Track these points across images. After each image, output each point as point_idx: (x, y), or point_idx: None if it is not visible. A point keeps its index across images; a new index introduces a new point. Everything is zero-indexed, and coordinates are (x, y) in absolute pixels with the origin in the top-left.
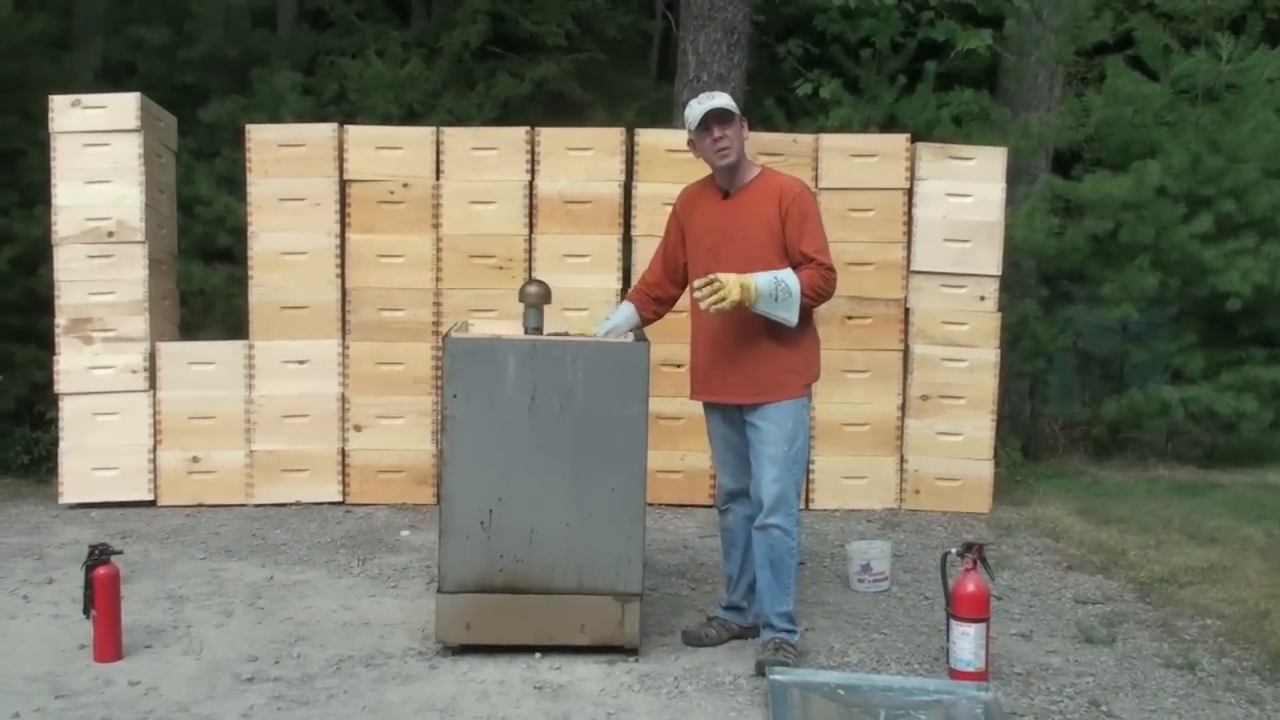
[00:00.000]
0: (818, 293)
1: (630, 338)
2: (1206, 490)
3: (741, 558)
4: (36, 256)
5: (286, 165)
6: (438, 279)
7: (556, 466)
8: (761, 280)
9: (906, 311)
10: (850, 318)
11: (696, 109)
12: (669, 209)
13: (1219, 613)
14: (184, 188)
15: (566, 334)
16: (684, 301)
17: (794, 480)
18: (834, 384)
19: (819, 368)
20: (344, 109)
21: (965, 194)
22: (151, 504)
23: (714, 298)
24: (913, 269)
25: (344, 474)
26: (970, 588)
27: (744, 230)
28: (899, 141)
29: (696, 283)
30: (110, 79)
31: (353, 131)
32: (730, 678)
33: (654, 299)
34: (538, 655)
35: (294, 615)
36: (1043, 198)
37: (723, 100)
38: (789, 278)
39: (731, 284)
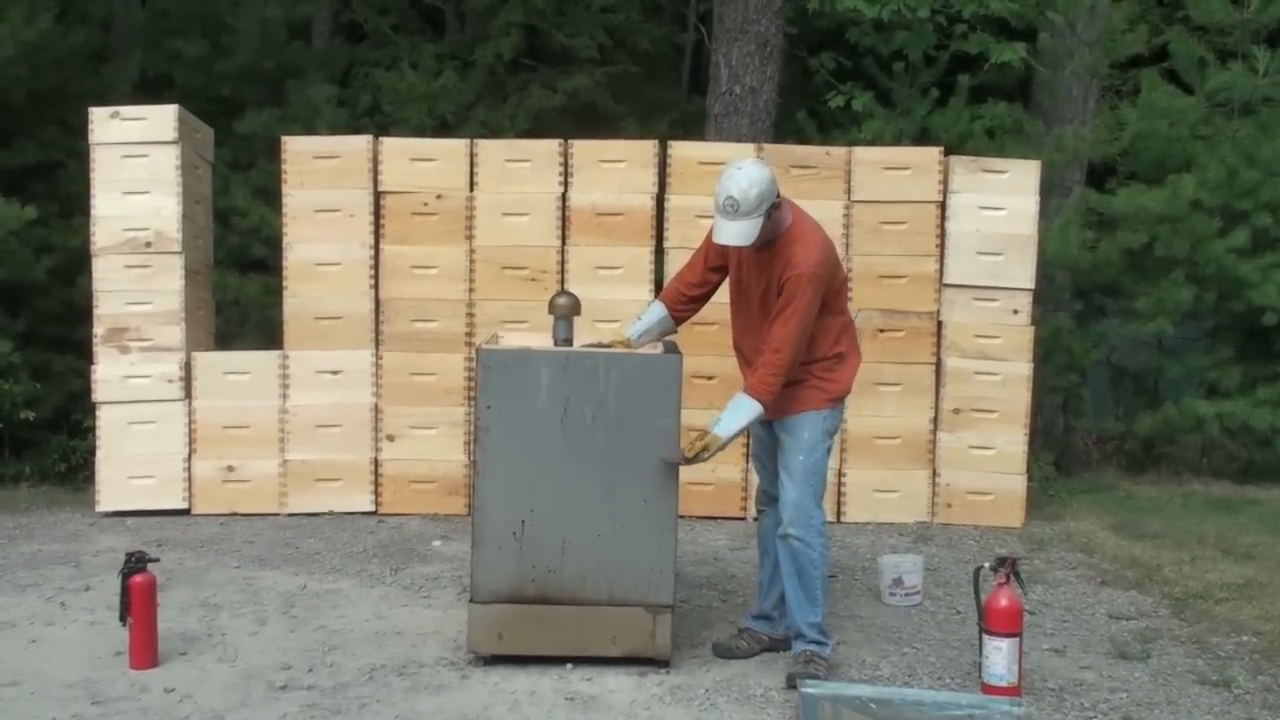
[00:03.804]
0: (768, 388)
1: (660, 348)
2: (1242, 506)
3: (773, 565)
4: (75, 266)
5: (321, 177)
6: (470, 290)
7: (589, 478)
8: (721, 428)
9: (939, 324)
10: (882, 330)
11: (717, 220)
12: (701, 221)
13: (1255, 629)
14: (220, 199)
15: (600, 343)
16: (717, 313)
17: (812, 491)
18: (866, 397)
19: (848, 384)
20: (378, 121)
21: (998, 207)
22: (186, 512)
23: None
24: (945, 282)
25: (376, 484)
26: (1003, 602)
27: (752, 292)
28: (932, 154)
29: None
30: (148, 91)
31: (387, 143)
32: (761, 690)
33: (690, 298)
34: (569, 666)
35: (327, 624)
36: (1077, 211)
37: (742, 229)
38: (733, 401)
39: (712, 444)
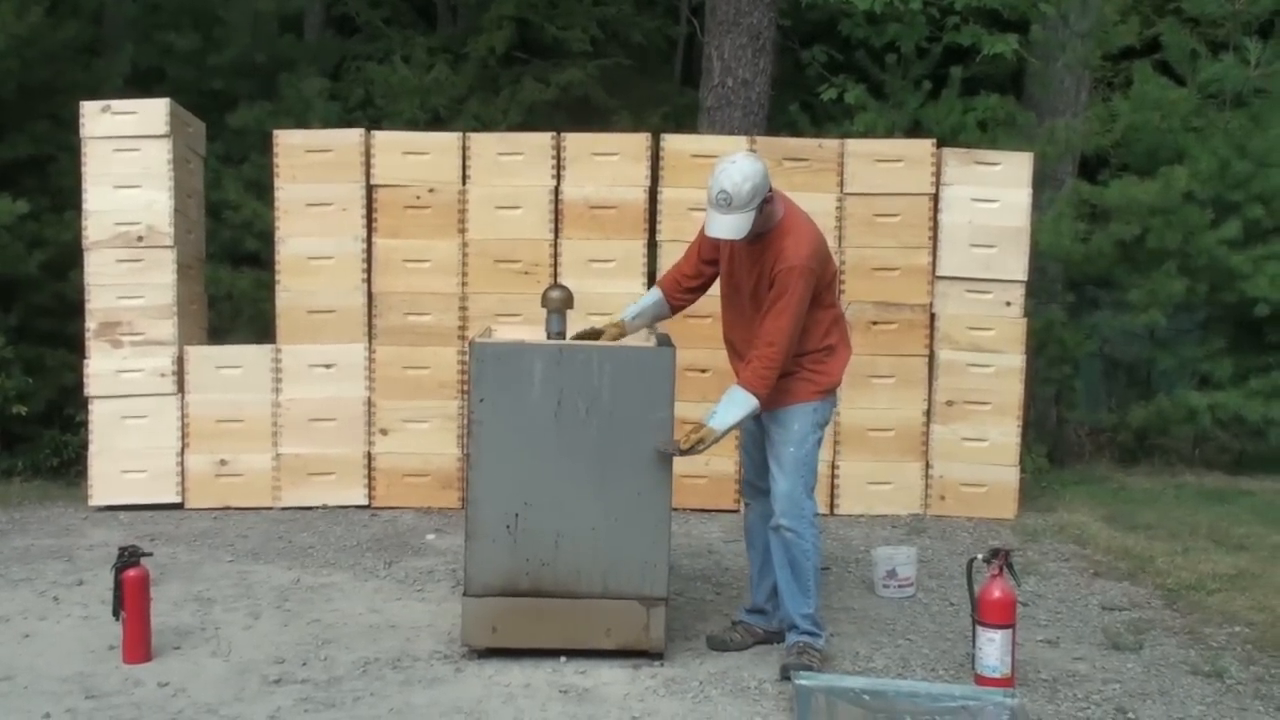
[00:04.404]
0: (764, 381)
1: (653, 341)
2: (1234, 497)
3: (761, 558)
4: (67, 261)
5: (314, 170)
6: (463, 284)
7: (582, 471)
8: (717, 421)
9: (932, 317)
10: (875, 323)
11: (709, 213)
12: (694, 214)
13: (1247, 620)
14: (212, 192)
15: (592, 329)
16: (710, 306)
17: (803, 482)
18: (859, 389)
19: (839, 376)
20: (370, 114)
21: (991, 199)
22: (179, 506)
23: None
24: (938, 274)
25: (370, 477)
26: (996, 594)
27: (743, 285)
28: (924, 146)
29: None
30: (140, 85)
31: (379, 137)
32: (755, 682)
33: (686, 289)
34: (563, 659)
35: (321, 618)
36: (1069, 203)
37: (734, 222)
38: (728, 394)
39: (708, 437)
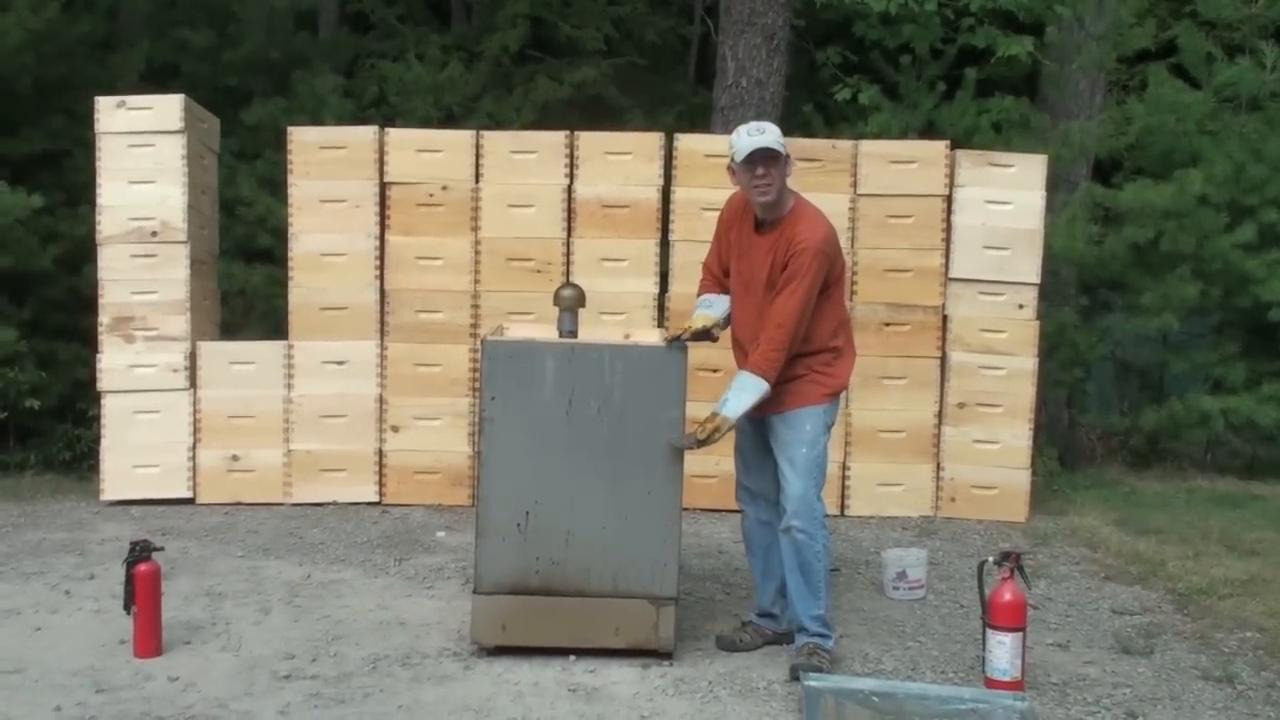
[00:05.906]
0: (771, 364)
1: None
2: (1246, 502)
3: (762, 563)
4: (81, 255)
5: (327, 167)
6: (476, 282)
7: (593, 469)
8: (729, 409)
9: (944, 318)
10: (888, 324)
11: (745, 142)
12: (707, 214)
13: (1259, 625)
14: (226, 189)
15: (689, 329)
16: None
17: (814, 483)
18: (871, 390)
19: (846, 379)
20: (384, 112)
21: (1005, 201)
22: (190, 501)
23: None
24: (951, 276)
25: (381, 474)
26: (1006, 596)
27: (756, 278)
28: (938, 148)
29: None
30: (155, 81)
31: (393, 134)
32: (764, 683)
33: (726, 289)
34: (572, 658)
35: (331, 614)
36: (1083, 205)
37: (772, 138)
38: (736, 380)
39: (722, 425)
